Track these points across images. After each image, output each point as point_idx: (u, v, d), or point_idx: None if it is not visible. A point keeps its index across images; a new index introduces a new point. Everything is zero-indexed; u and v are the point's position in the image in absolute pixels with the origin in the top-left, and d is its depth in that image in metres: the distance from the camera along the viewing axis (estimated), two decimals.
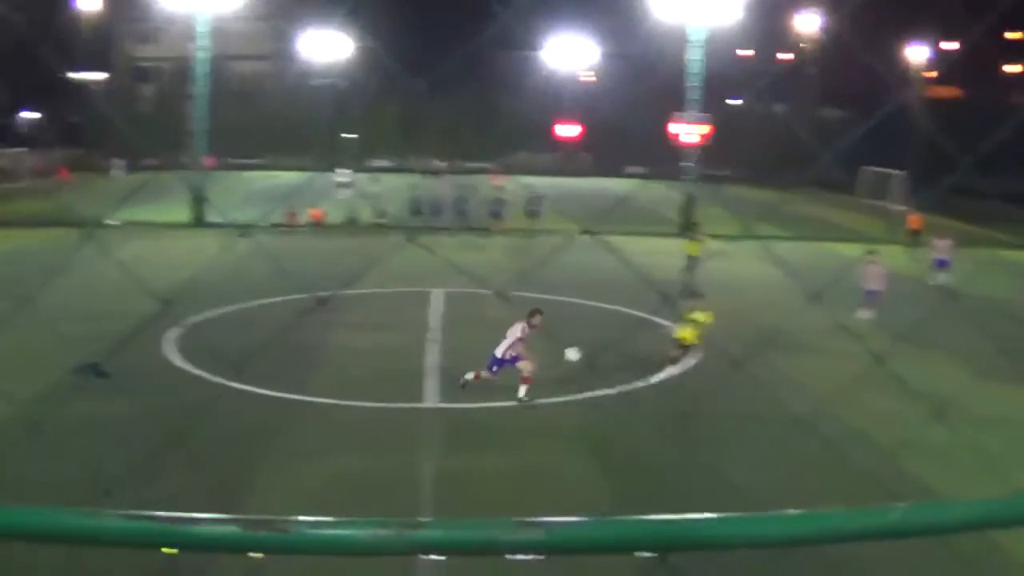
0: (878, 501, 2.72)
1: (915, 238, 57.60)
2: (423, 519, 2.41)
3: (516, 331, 22.65)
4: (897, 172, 79.30)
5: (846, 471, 18.83)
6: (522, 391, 22.57)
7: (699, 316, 25.96)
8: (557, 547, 2.36)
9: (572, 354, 23.03)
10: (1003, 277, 43.75)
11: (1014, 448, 20.27)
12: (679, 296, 31.80)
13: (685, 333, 26.17)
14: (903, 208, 73.04)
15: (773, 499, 16.39)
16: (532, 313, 22.95)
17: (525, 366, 22.59)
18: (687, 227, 41.14)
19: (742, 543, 2.45)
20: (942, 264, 43.54)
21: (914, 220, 60.86)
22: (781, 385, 24.83)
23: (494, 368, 22.77)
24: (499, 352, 22.68)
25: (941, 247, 44.26)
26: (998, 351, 25.54)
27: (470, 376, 23.00)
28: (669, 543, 2.36)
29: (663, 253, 42.82)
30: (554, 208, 51.93)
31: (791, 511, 2.61)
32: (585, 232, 48.24)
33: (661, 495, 16.98)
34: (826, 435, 20.89)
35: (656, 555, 2.40)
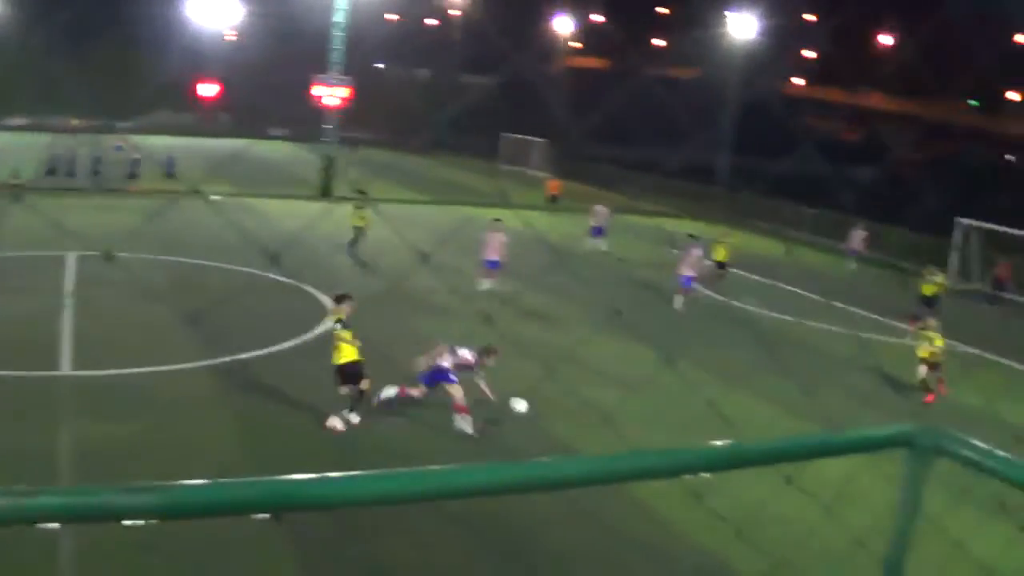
0: (504, 457, 2.79)
1: (554, 203, 59.25)
2: (36, 487, 2.32)
3: (467, 356, 19.88)
4: (538, 139, 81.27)
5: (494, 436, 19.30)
6: (463, 423, 19.37)
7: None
8: (171, 511, 2.32)
9: (519, 405, 19.96)
10: (630, 240, 45.46)
11: (626, 402, 21.03)
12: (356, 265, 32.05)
13: (349, 353, 19.79)
14: (543, 174, 75.01)
15: (405, 459, 16.62)
16: (490, 352, 20.02)
17: (455, 391, 19.50)
18: (356, 196, 40.10)
19: (360, 500, 2.47)
20: (598, 232, 44.89)
21: (553, 185, 62.57)
22: (414, 346, 25.13)
23: (429, 382, 19.80)
24: (443, 363, 19.69)
25: (599, 215, 45.62)
26: (618, 310, 26.74)
27: (392, 392, 20.00)
28: (281, 503, 2.36)
29: (301, 216, 42.70)
30: (191, 169, 51.09)
31: (417, 469, 2.65)
32: (217, 194, 47.69)
33: (298, 457, 17.05)
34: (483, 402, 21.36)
35: (270, 515, 2.40)
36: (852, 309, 35.68)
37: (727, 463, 3.10)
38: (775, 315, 34.08)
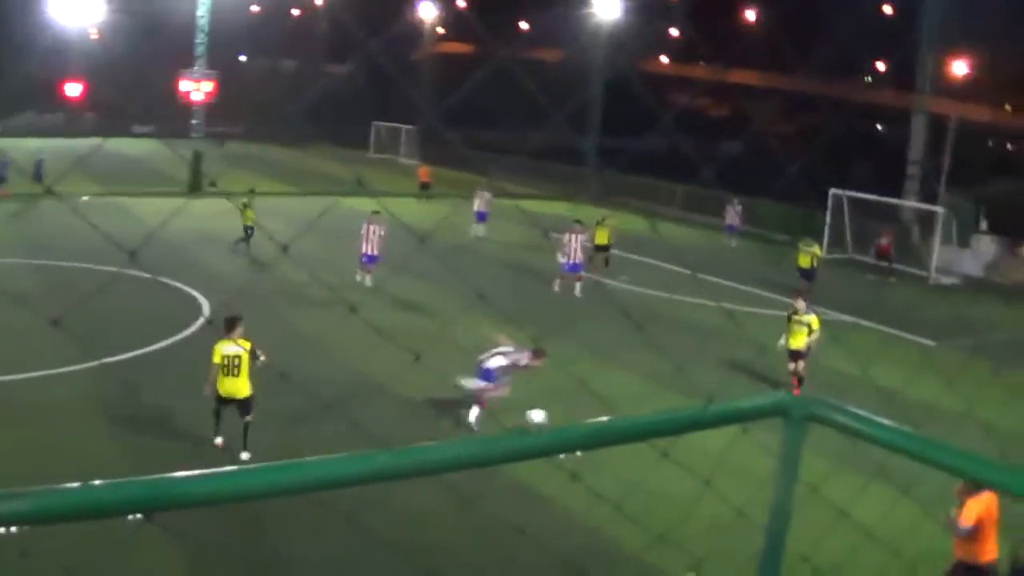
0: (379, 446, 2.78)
1: (425, 190, 59.13)
2: None
3: (522, 358, 19.88)
4: (407, 126, 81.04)
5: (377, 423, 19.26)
6: (474, 415, 19.97)
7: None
8: (43, 517, 2.29)
9: (537, 416, 18.95)
10: (508, 225, 45.53)
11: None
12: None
13: (247, 386, 18.17)
14: (413, 161, 74.83)
15: (297, 452, 16.54)
16: (539, 354, 19.91)
17: (497, 392, 19.81)
18: (245, 195, 39.31)
19: (235, 495, 2.45)
20: (481, 217, 45.22)
21: (423, 172, 62.45)
22: (289, 340, 24.98)
23: (491, 380, 19.75)
24: (492, 365, 19.72)
25: (482, 200, 45.70)
26: (481, 293, 26.93)
27: (475, 414, 20.00)
28: (151, 503, 2.34)
29: (171, 213, 42.21)
30: (59, 171, 50.16)
31: (292, 460, 2.64)
32: (87, 195, 46.85)
33: (176, 459, 16.83)
34: (346, 385, 21.30)
35: (142, 516, 2.37)
36: (726, 283, 36.13)
37: (603, 440, 3.12)
38: (649, 292, 34.42)
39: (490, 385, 19.68)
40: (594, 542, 14.72)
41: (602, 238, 38.76)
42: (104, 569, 12.90)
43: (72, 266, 31.85)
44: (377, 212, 33.68)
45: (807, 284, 35.20)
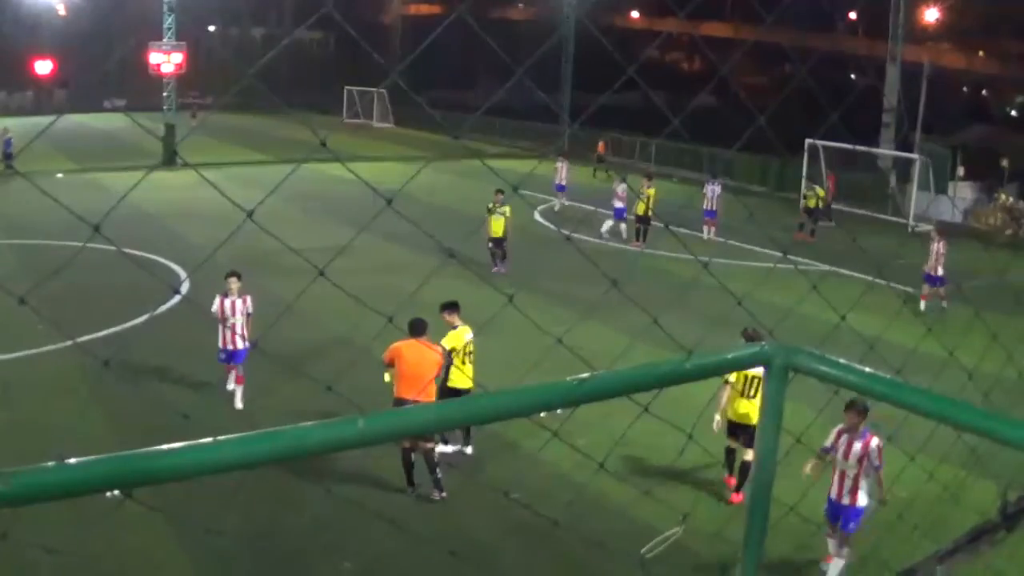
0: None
1: (601, 163, 58.58)
2: None
3: None
4: (378, 90, 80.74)
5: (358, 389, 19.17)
6: None
7: None
8: (20, 498, 2.26)
9: None
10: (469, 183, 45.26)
11: (478, 344, 20.93)
12: None
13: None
14: (387, 125, 74.64)
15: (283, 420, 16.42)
16: None
17: None
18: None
19: (203, 469, 2.43)
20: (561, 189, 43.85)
21: (601, 146, 61.75)
22: (279, 309, 24.93)
23: None
24: None
25: (560, 171, 44.20)
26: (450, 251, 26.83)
27: None
28: (127, 479, 2.31)
29: (145, 186, 42.03)
30: (32, 149, 49.80)
31: (271, 429, 2.63)
32: (61, 172, 46.64)
33: (174, 430, 16.74)
34: (339, 358, 21.26)
35: (121, 493, 2.34)
36: (704, 236, 36.08)
37: (583, 397, 3.08)
38: (625, 248, 34.60)
39: None
40: (581, 499, 14.72)
41: (641, 208, 36.31)
42: (91, 549, 12.83)
43: (48, 244, 31.66)
44: (234, 274, 20.48)
45: (812, 221, 39.52)
